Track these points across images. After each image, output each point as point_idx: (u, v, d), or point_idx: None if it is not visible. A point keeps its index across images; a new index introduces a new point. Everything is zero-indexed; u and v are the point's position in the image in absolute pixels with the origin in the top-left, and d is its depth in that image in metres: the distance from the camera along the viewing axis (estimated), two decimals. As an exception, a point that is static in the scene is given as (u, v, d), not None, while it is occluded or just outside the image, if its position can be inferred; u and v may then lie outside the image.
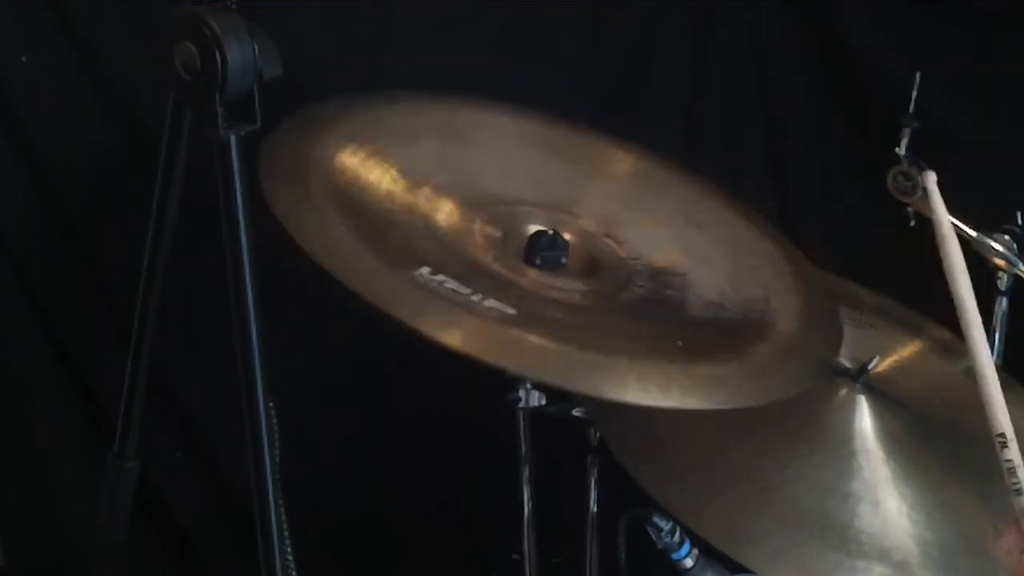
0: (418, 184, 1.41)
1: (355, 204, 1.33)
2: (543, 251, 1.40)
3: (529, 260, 1.40)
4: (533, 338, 1.22)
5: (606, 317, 1.35)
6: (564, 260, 1.42)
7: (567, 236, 1.44)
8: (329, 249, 1.22)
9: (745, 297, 1.43)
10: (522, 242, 1.42)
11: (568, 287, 1.39)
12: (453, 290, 1.23)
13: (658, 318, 1.37)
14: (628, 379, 1.21)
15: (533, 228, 1.44)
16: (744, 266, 1.49)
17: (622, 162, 1.59)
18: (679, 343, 1.26)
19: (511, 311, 1.23)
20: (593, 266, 1.44)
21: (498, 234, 1.43)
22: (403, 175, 1.41)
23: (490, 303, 1.23)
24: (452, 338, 1.17)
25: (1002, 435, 1.28)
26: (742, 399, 1.27)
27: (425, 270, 1.23)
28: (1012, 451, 1.28)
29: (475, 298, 1.23)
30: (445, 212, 1.41)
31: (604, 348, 1.24)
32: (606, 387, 1.21)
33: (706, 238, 1.51)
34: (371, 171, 1.39)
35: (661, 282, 1.44)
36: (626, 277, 1.43)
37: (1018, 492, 1.27)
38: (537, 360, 1.22)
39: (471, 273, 1.28)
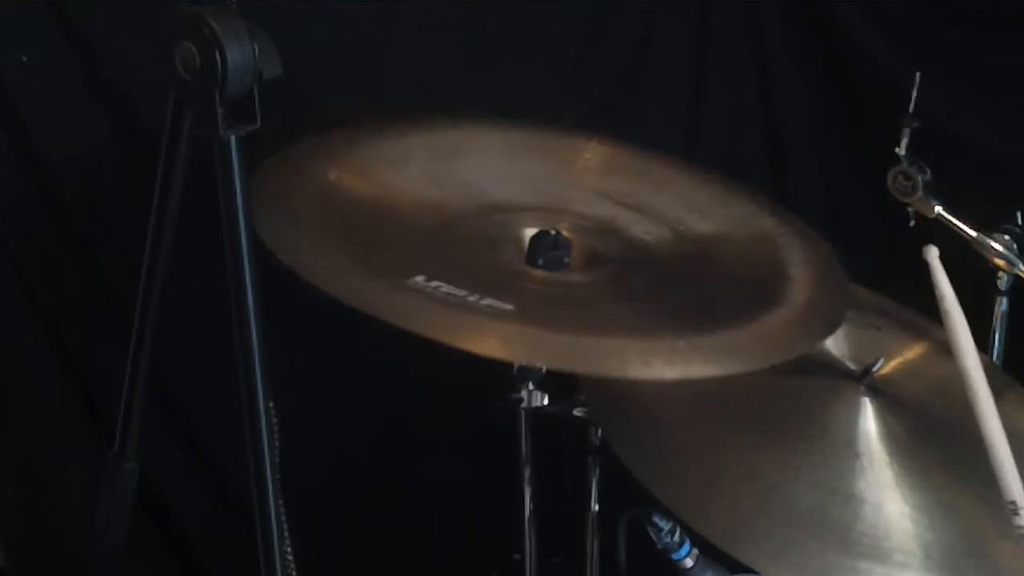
0: (411, 197, 1.42)
1: (347, 219, 1.34)
2: (546, 252, 1.40)
3: (532, 261, 1.40)
4: (532, 329, 1.22)
5: (609, 305, 1.36)
6: (567, 260, 1.42)
7: (566, 234, 1.44)
8: (318, 267, 1.24)
9: (753, 273, 1.43)
10: (520, 245, 1.42)
11: (571, 282, 1.39)
12: (449, 294, 1.23)
13: (663, 301, 1.37)
14: (631, 355, 1.21)
15: (530, 231, 1.44)
16: (750, 244, 1.49)
17: (614, 159, 1.59)
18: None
19: (508, 307, 1.23)
20: (594, 261, 1.44)
21: (495, 239, 1.43)
22: (396, 191, 1.42)
23: (487, 301, 1.23)
24: (450, 336, 1.18)
25: (1013, 503, 1.26)
26: (746, 363, 1.27)
27: (420, 278, 1.24)
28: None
29: (472, 299, 1.23)
30: (439, 222, 1.41)
31: (606, 330, 1.25)
32: (609, 365, 1.21)
33: (708, 222, 1.52)
34: (364, 188, 1.40)
35: (665, 269, 1.44)
36: (628, 267, 1.44)
37: None
38: (537, 348, 1.23)
39: (469, 277, 1.28)
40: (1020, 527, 1.26)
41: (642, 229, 1.50)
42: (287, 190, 1.35)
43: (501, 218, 1.47)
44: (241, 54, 1.15)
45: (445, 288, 1.23)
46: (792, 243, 1.49)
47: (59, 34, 1.68)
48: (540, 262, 1.40)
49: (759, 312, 1.33)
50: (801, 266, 1.44)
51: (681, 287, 1.41)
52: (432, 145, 1.52)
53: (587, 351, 1.22)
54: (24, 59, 1.67)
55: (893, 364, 1.53)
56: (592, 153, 1.60)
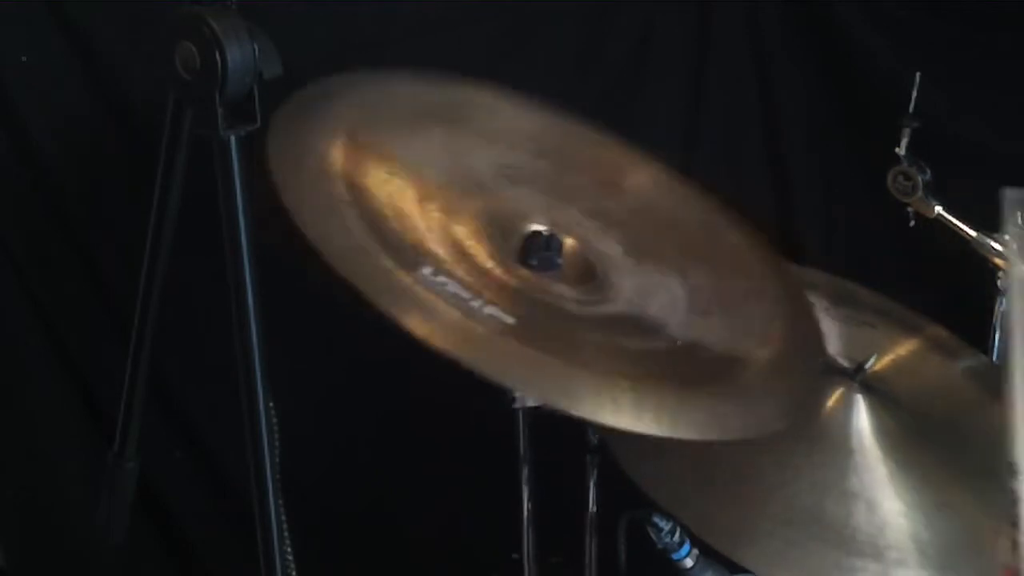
0: (420, 182, 1.41)
1: (358, 201, 1.32)
2: (538, 252, 1.39)
3: (524, 260, 1.40)
4: (532, 352, 1.20)
5: (601, 333, 1.33)
6: (559, 261, 1.41)
7: (567, 240, 1.43)
8: (340, 249, 1.20)
9: (733, 323, 1.41)
10: (520, 241, 1.42)
11: (562, 292, 1.38)
12: (455, 294, 1.22)
13: (649, 334, 1.36)
14: (623, 403, 1.19)
15: (532, 227, 1.43)
16: (736, 289, 1.47)
17: (633, 175, 1.57)
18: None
19: (510, 320, 1.22)
20: (588, 273, 1.43)
21: (497, 232, 1.42)
22: (404, 171, 1.40)
23: (490, 311, 1.22)
24: (451, 345, 1.17)
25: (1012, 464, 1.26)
26: (733, 431, 1.26)
27: (427, 270, 1.23)
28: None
29: (475, 304, 1.22)
30: (445, 211, 1.40)
31: (602, 368, 1.23)
32: (602, 412, 1.19)
33: (698, 257, 1.49)
34: (374, 169, 1.38)
35: (649, 297, 1.42)
36: (618, 290, 1.42)
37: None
38: (535, 377, 1.21)
39: (469, 273, 1.27)
40: (1015, 490, 1.25)
41: (644, 243, 1.48)
42: (301, 155, 1.29)
43: (505, 208, 1.45)
44: (241, 54, 1.15)
45: (451, 287, 1.22)
46: (780, 293, 1.47)
47: (59, 34, 1.69)
48: (532, 262, 1.39)
49: (730, 371, 1.31)
50: (778, 319, 1.42)
51: (661, 326, 1.38)
52: (448, 110, 1.49)
53: (579, 390, 1.20)
54: (24, 59, 1.67)
55: (886, 361, 1.54)
56: (614, 164, 1.56)
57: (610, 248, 1.47)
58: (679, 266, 1.47)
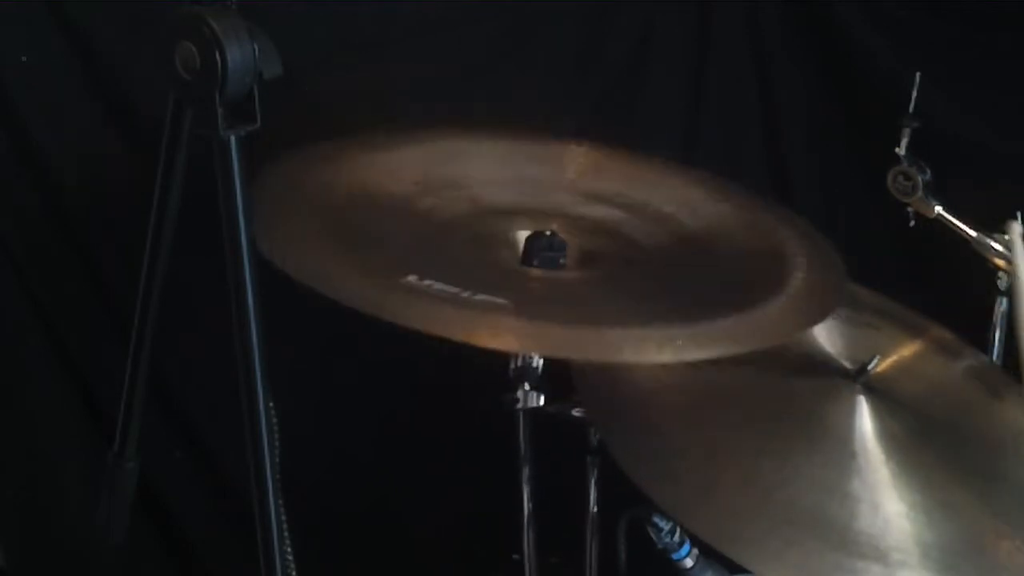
0: (405, 202, 1.43)
1: (340, 223, 1.34)
2: (541, 252, 1.40)
3: (527, 262, 1.40)
4: (528, 321, 1.23)
5: (604, 300, 1.36)
6: (562, 261, 1.42)
7: (560, 236, 1.44)
8: (311, 269, 1.25)
9: (748, 264, 1.44)
10: (515, 247, 1.43)
11: (566, 279, 1.40)
12: (442, 290, 1.23)
13: (659, 297, 1.37)
14: (625, 342, 1.23)
15: (524, 233, 1.44)
16: (742, 239, 1.50)
17: (606, 162, 1.60)
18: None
19: (501, 301, 1.24)
20: (589, 260, 1.44)
21: (489, 242, 1.43)
22: (389, 196, 1.43)
23: (481, 297, 1.23)
24: (444, 329, 1.18)
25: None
26: (739, 345, 1.29)
27: (412, 277, 1.24)
28: None
29: (465, 295, 1.23)
30: (433, 225, 1.42)
31: (601, 320, 1.26)
32: (602, 351, 1.23)
33: (700, 219, 1.52)
34: (358, 193, 1.41)
35: (660, 266, 1.45)
36: (623, 266, 1.44)
37: None
38: (531, 337, 1.25)
39: (463, 276, 1.29)
40: None
41: (636, 229, 1.50)
42: (282, 195, 1.35)
43: (495, 222, 1.47)
44: (241, 54, 1.15)
45: (438, 286, 1.24)
46: (786, 233, 1.50)
47: (59, 34, 1.68)
48: (535, 262, 1.40)
49: (756, 299, 1.34)
50: (797, 254, 1.45)
51: (677, 283, 1.41)
52: (428, 152, 1.53)
53: (581, 339, 1.23)
54: (24, 59, 1.67)
55: (889, 362, 1.53)
56: (584, 158, 1.60)
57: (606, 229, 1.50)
58: (681, 226, 1.51)
